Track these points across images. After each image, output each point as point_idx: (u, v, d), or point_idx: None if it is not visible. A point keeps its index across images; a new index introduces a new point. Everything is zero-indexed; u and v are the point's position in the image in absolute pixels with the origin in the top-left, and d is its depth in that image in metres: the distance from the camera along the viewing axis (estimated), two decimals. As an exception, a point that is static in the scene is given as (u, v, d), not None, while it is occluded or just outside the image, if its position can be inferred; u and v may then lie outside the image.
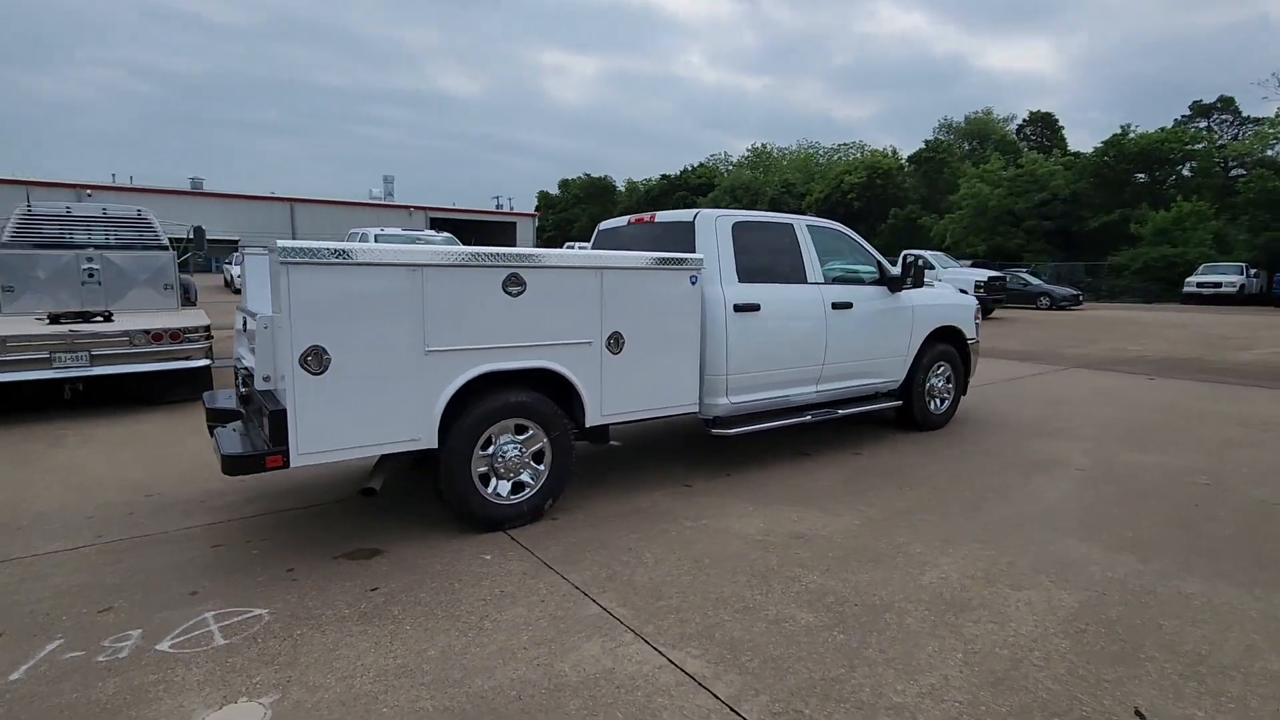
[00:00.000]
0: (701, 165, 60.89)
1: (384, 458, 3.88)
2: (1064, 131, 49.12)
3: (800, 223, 5.66)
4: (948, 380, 6.71)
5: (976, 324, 6.93)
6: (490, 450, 4.05)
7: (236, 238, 33.56)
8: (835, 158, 56.71)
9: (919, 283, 6.08)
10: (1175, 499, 4.72)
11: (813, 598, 3.30)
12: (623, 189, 65.62)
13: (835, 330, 5.60)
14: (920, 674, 2.67)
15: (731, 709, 2.46)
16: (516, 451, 4.13)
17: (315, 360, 3.40)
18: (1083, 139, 77.62)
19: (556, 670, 2.69)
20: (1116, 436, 6.33)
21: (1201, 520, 4.33)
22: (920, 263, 6.01)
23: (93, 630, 2.94)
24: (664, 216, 5.51)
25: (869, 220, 41.52)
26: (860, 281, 5.94)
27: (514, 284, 3.95)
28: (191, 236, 10.28)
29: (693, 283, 4.71)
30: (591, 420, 4.35)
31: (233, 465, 3.36)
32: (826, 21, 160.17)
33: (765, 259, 5.37)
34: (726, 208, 6.56)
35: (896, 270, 6.15)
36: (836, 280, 5.77)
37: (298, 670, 2.67)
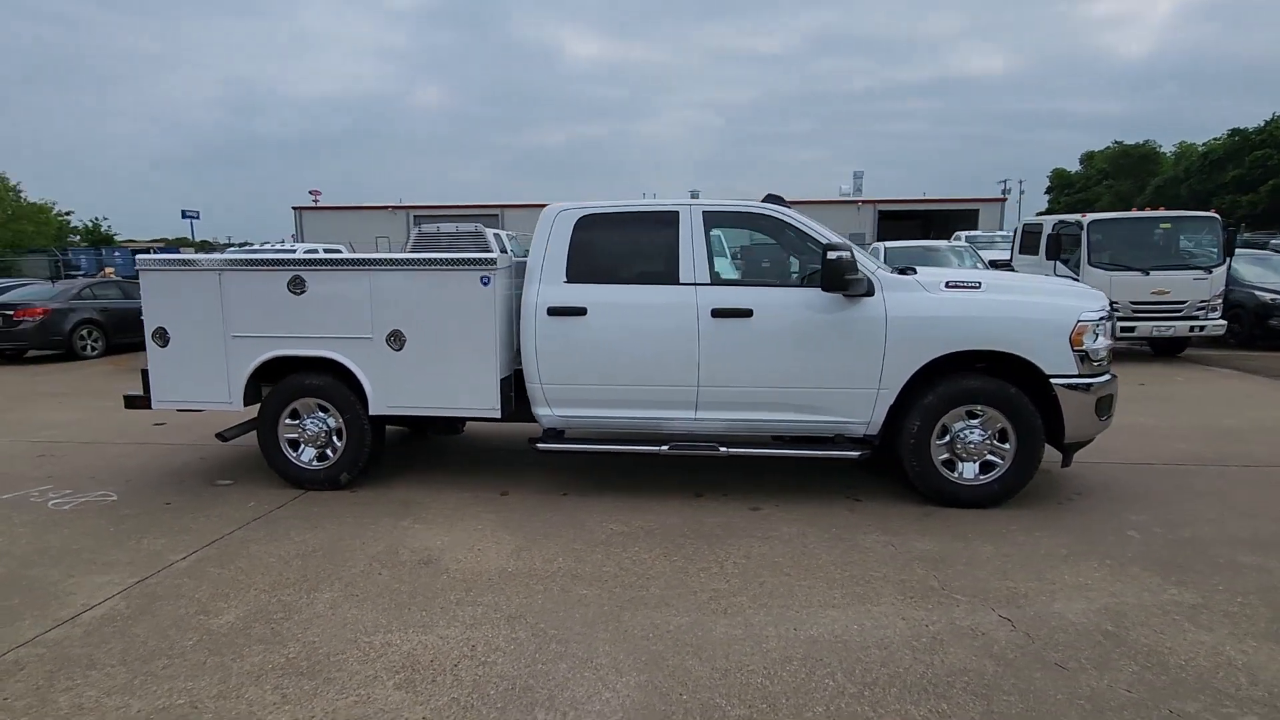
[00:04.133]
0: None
1: (251, 420, 5.09)
2: None
3: (694, 210, 4.56)
4: (998, 438, 4.31)
5: (1089, 351, 4.19)
6: (298, 422, 4.89)
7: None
8: None
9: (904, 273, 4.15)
10: None
11: (276, 609, 3.22)
12: (1171, 153, 51.14)
13: (718, 344, 4.40)
14: None
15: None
16: (317, 427, 4.86)
17: (160, 337, 4.86)
18: None
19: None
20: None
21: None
22: (850, 254, 4.09)
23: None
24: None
25: None
26: (781, 283, 4.44)
27: (296, 285, 4.68)
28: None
29: (484, 284, 4.53)
30: (375, 410, 4.73)
31: (128, 403, 5.10)
32: None
33: (617, 256, 4.63)
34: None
35: (870, 267, 4.34)
36: (738, 281, 4.49)
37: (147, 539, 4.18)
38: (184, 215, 33.54)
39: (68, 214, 42.59)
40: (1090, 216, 10.55)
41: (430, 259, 4.65)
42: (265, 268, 4.74)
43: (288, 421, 4.88)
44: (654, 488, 4.83)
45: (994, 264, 12.32)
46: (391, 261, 4.66)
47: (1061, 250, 10.81)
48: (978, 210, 38.95)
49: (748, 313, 4.37)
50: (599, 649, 2.85)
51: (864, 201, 41.02)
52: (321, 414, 4.85)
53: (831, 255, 4.05)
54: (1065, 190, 58.40)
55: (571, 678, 2.66)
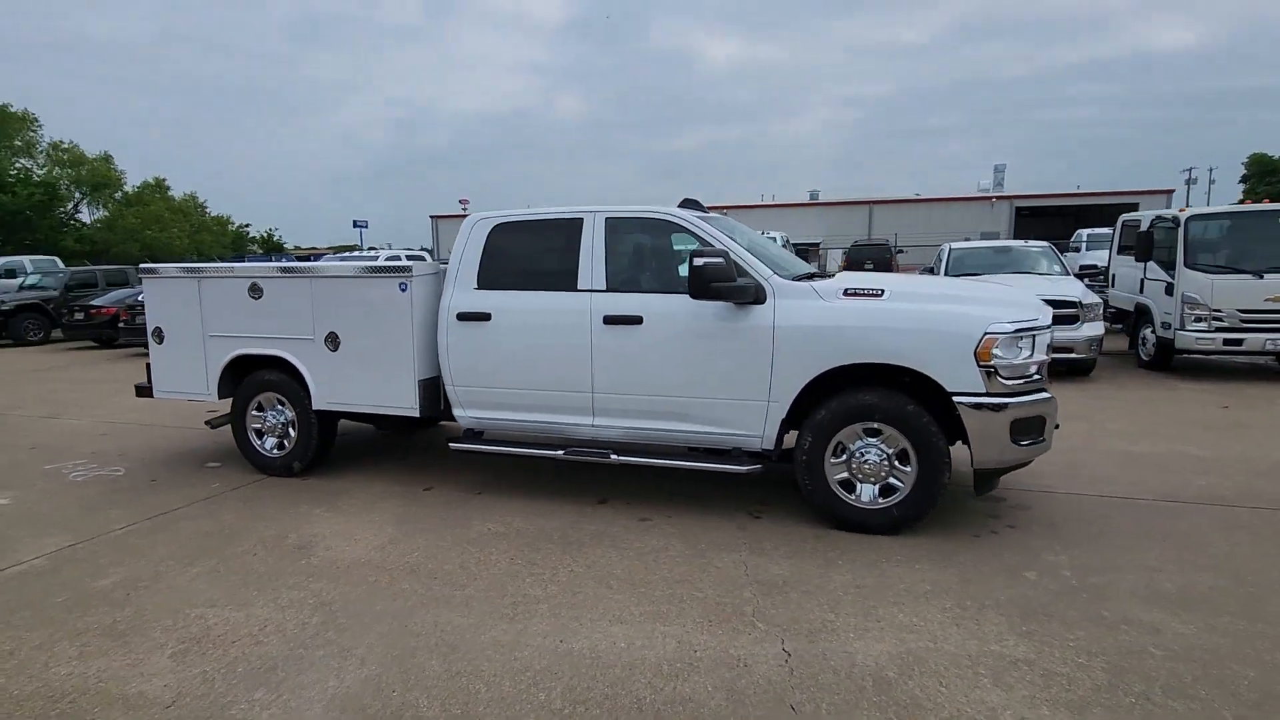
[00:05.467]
0: None
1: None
2: None
3: (595, 217, 4.57)
4: (899, 459, 3.96)
5: (998, 367, 3.75)
6: (262, 414, 5.44)
7: (818, 240, 37.81)
8: None
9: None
10: None
11: (148, 577, 3.65)
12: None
13: (609, 351, 4.39)
14: None
15: None
16: (276, 419, 5.39)
17: (158, 335, 5.59)
18: None
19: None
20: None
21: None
22: (723, 261, 3.89)
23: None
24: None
25: None
26: (673, 291, 4.34)
27: (254, 291, 5.21)
28: None
29: (402, 290, 4.81)
30: (317, 405, 5.15)
31: (138, 392, 5.89)
32: None
33: (525, 263, 4.73)
34: None
35: (763, 273, 4.16)
36: (632, 288, 4.44)
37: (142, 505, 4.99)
38: (354, 225, 37.48)
39: (246, 225, 49.00)
40: (1189, 210, 9.18)
41: (356, 267, 5.01)
42: (231, 275, 5.31)
43: (254, 413, 5.44)
44: (565, 492, 4.89)
45: (1085, 268, 11.02)
46: (327, 269, 5.07)
47: (1154, 250, 9.51)
48: (1138, 204, 34.51)
49: (638, 320, 4.32)
50: (366, 640, 3.00)
51: (998, 197, 37.79)
52: (280, 407, 5.36)
53: (697, 262, 3.92)
54: (1267, 178, 50.63)
55: (318, 664, 2.83)
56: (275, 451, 5.41)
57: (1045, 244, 10.96)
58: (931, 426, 3.85)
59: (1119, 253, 11.09)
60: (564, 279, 4.55)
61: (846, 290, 4.09)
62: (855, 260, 23.75)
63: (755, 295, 4.10)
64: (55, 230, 27.64)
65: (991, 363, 3.74)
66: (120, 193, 32.10)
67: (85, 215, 30.88)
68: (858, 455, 4.01)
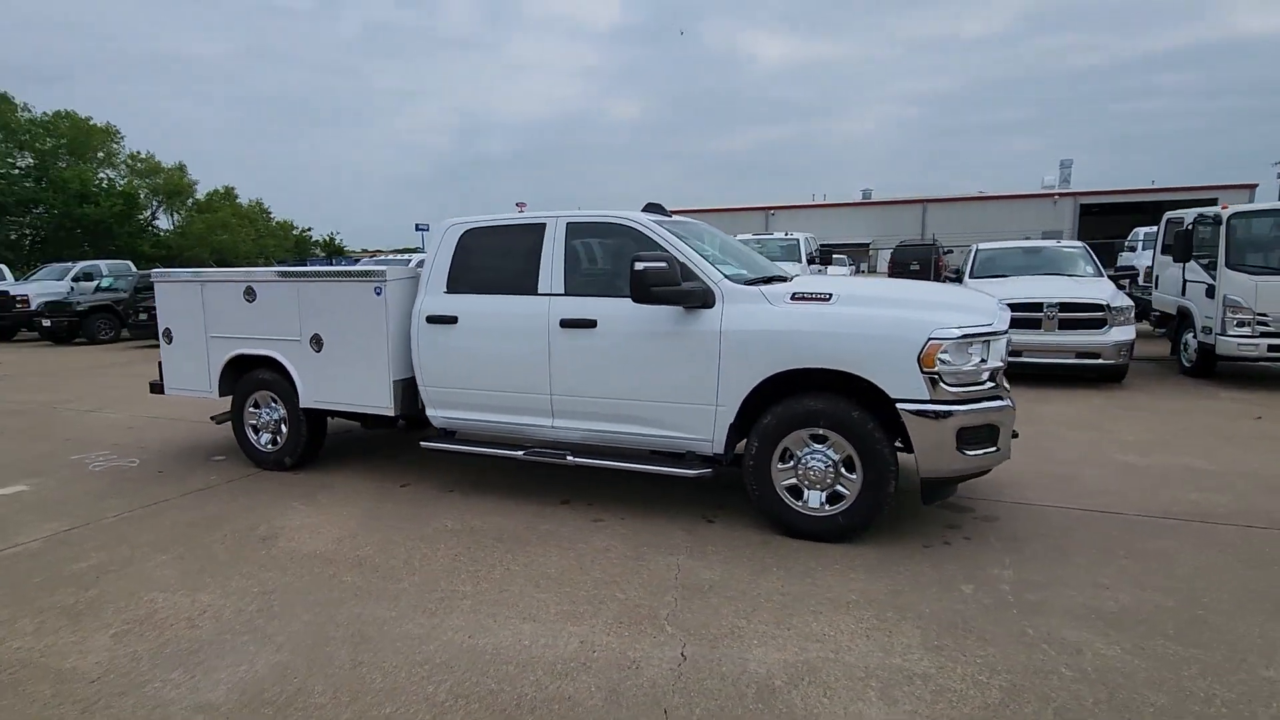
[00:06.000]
0: None
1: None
2: None
3: (557, 222, 4.65)
4: (844, 467, 3.89)
5: (942, 374, 3.65)
6: (258, 411, 5.74)
7: (869, 241, 36.98)
8: None
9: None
10: None
11: (121, 562, 3.92)
12: None
13: (566, 353, 4.47)
14: None
15: None
16: (270, 416, 5.67)
17: (167, 336, 5.97)
18: None
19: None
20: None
21: None
22: (667, 265, 3.89)
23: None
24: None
25: None
26: (626, 294, 4.36)
27: (249, 294, 5.50)
28: None
29: (377, 293, 5.00)
30: (304, 403, 5.40)
31: (152, 388, 6.28)
32: None
33: (490, 268, 4.84)
34: None
35: (713, 277, 4.15)
36: (588, 292, 4.50)
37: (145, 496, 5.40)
38: (416, 228, 38.82)
39: (309, 230, 51.43)
40: (1233, 208, 8.63)
41: (336, 271, 5.22)
42: (228, 280, 5.62)
43: (250, 410, 5.74)
44: (532, 492, 4.98)
45: (1120, 269, 10.45)
46: (312, 273, 5.31)
47: (1196, 250, 8.98)
48: (1215, 200, 32.21)
49: (592, 323, 4.38)
50: (290, 629, 3.15)
51: (1060, 194, 36.00)
52: (274, 405, 5.63)
53: (638, 266, 3.94)
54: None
55: (238, 649, 2.99)
56: (269, 447, 5.69)
57: (1080, 244, 10.49)
58: (876, 433, 3.77)
59: (1162, 253, 10.50)
60: (526, 283, 4.65)
61: (794, 295, 4.04)
62: (900, 260, 23.14)
63: (703, 300, 4.10)
64: (134, 237, 29.64)
65: (936, 369, 3.64)
66: (191, 200, 34.15)
67: (162, 222, 33.24)
68: (804, 461, 3.96)
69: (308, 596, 3.47)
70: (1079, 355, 8.51)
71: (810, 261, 11.96)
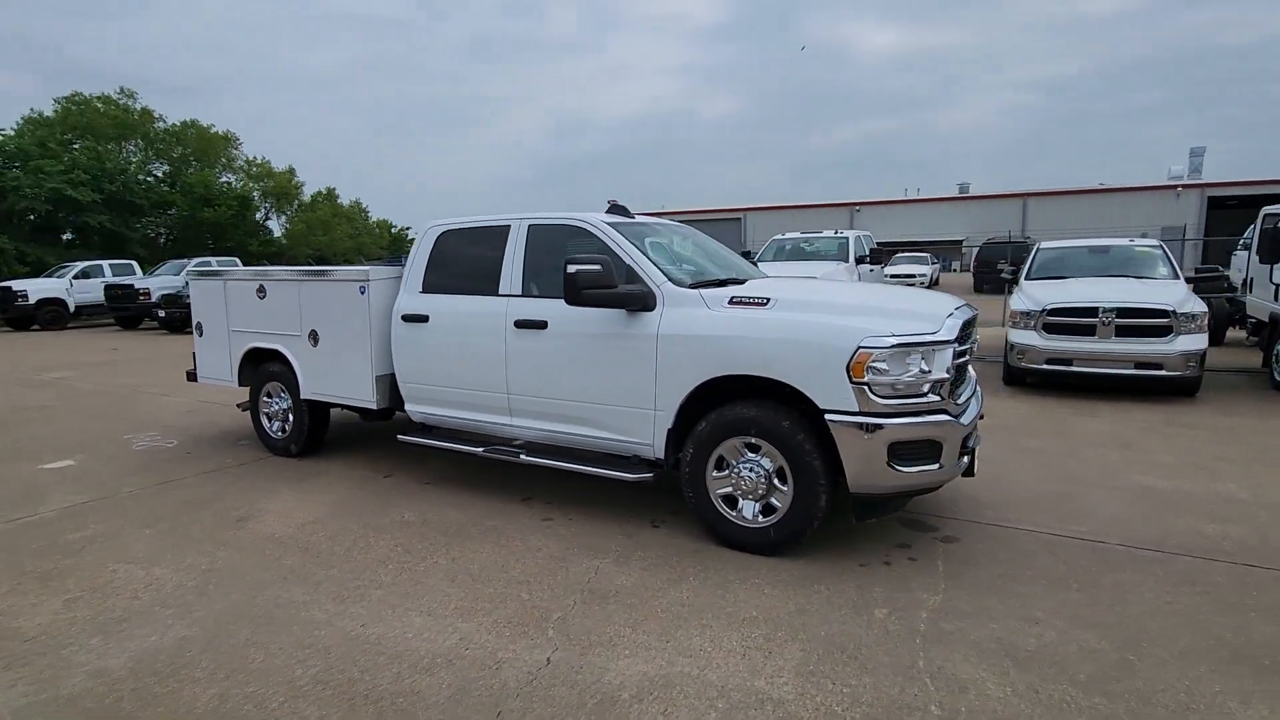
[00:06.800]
0: None
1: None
2: None
3: (520, 224, 4.73)
4: (777, 479, 3.75)
5: (871, 384, 3.45)
6: (270, 400, 6.17)
7: (962, 238, 34.99)
8: None
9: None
10: None
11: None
12: None
13: (519, 354, 4.55)
14: None
15: None
16: (279, 405, 6.08)
17: (199, 329, 6.51)
18: None
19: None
20: None
21: None
22: (601, 268, 3.85)
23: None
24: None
25: None
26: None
27: (260, 292, 5.92)
28: None
29: (361, 292, 5.25)
30: (304, 394, 5.75)
31: (188, 377, 6.85)
32: None
33: (461, 268, 4.98)
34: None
35: (655, 280, 4.11)
36: (542, 294, 4.54)
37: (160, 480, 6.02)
38: None
39: (406, 228, 54.45)
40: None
41: (326, 271, 5.52)
42: (244, 279, 6.06)
43: (264, 399, 6.17)
44: (498, 488, 5.08)
45: (1200, 270, 9.39)
46: (310, 273, 5.64)
47: (1282, 250, 7.99)
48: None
49: (543, 324, 4.43)
50: (213, 605, 3.39)
51: (1185, 186, 32.55)
52: (282, 395, 6.03)
53: (570, 269, 3.94)
54: None
55: (158, 621, 3.25)
56: (279, 434, 6.10)
57: (1155, 243, 9.53)
58: (807, 444, 3.61)
59: (1256, 252, 9.38)
60: (489, 284, 4.75)
61: (732, 299, 3.93)
62: (986, 259, 21.80)
63: (643, 302, 4.07)
64: (247, 236, 32.43)
65: (866, 379, 3.45)
66: (297, 201, 36.99)
67: (274, 222, 36.31)
68: (738, 470, 3.85)
69: (246, 577, 3.71)
70: (1139, 366, 7.74)
71: (860, 261, 11.47)
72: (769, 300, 3.85)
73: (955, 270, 35.34)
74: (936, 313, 3.71)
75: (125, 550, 4.09)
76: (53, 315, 20.78)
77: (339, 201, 38.46)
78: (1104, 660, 2.80)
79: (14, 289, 20.54)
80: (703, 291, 4.05)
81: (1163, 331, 7.67)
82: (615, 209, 4.85)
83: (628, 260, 4.21)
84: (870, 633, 3.04)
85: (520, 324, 4.51)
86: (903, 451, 3.49)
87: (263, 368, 6.08)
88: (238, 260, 23.82)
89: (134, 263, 23.71)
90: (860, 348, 3.46)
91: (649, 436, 4.14)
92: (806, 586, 3.47)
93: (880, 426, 3.46)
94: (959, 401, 3.81)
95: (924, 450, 3.54)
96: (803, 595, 3.38)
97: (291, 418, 5.95)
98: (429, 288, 5.04)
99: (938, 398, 3.57)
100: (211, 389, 8.02)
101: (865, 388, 3.45)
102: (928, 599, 3.33)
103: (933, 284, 28.28)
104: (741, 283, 4.41)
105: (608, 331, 4.18)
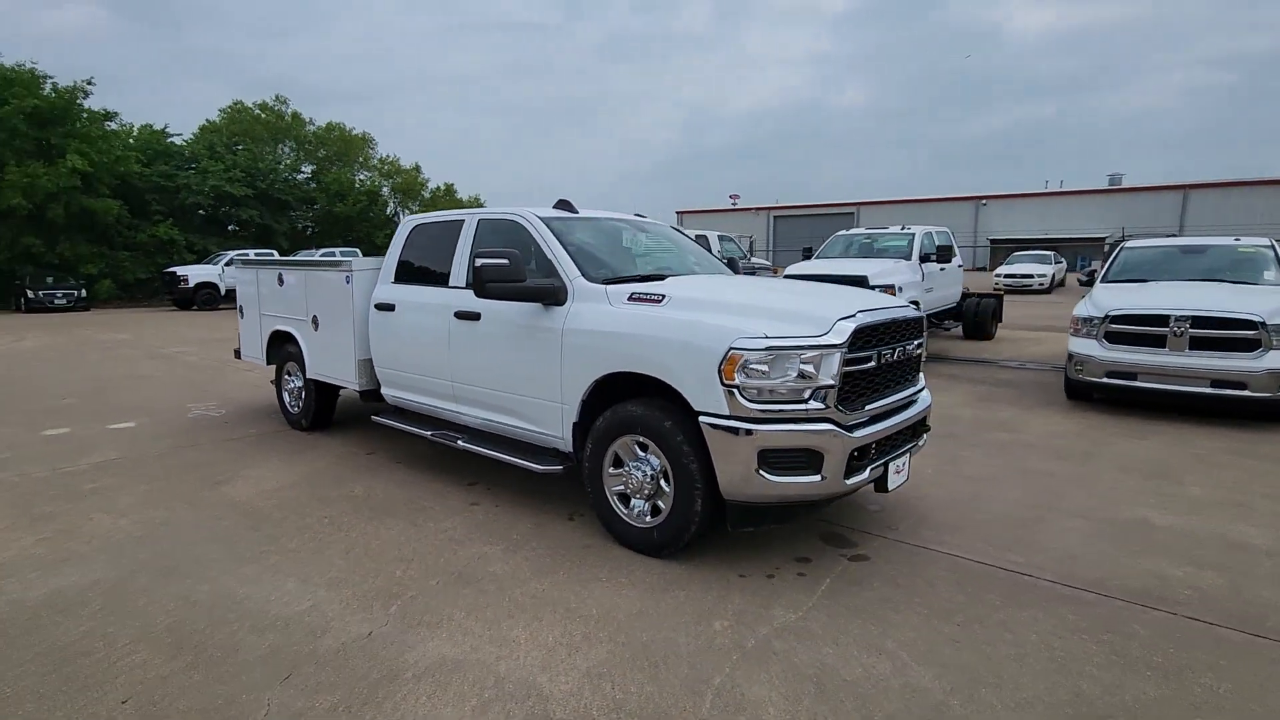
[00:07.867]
0: None
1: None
2: None
3: (473, 219, 4.90)
4: (664, 480, 3.67)
5: (741, 386, 3.29)
6: (289, 378, 6.77)
7: (1104, 235, 31.58)
8: None
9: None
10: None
11: None
12: None
13: (459, 343, 4.73)
14: None
15: (18, 476, 5.24)
16: (294, 383, 6.66)
17: (240, 311, 7.25)
18: None
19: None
20: None
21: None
22: (493, 265, 3.90)
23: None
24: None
25: None
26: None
27: (280, 280, 6.50)
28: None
29: (347, 282, 5.65)
30: (310, 374, 6.27)
31: (236, 354, 7.62)
32: None
33: (424, 260, 5.23)
34: None
35: (569, 275, 4.14)
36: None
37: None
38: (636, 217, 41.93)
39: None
40: None
41: (319, 261, 5.96)
42: (270, 267, 6.67)
43: (285, 377, 6.78)
44: (456, 470, 5.30)
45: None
46: (311, 263, 6.13)
47: None
48: None
49: (477, 316, 4.58)
50: (139, 554, 3.82)
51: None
52: (297, 373, 6.61)
53: (477, 262, 4.05)
54: None
55: (83, 564, 3.69)
56: (295, 409, 6.68)
57: (1266, 242, 8.20)
58: (684, 446, 3.51)
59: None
60: (443, 276, 4.96)
61: (632, 295, 3.88)
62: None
63: (555, 296, 4.10)
64: (374, 229, 35.28)
65: (736, 381, 3.30)
66: (420, 197, 39.73)
67: (403, 216, 38.95)
68: (629, 470, 3.81)
69: (183, 533, 4.15)
70: (1216, 384, 6.73)
71: (925, 259, 10.69)
72: (664, 297, 3.77)
73: (1090, 270, 31.97)
74: (828, 315, 3.47)
75: (114, 502, 4.67)
76: (208, 297, 23.69)
77: (457, 197, 40.95)
78: (920, 701, 2.54)
79: (178, 274, 23.60)
80: (608, 287, 4.02)
81: (1249, 345, 6.63)
82: (562, 205, 4.90)
83: (549, 254, 4.26)
84: (692, 644, 2.93)
85: (459, 315, 4.68)
86: (775, 460, 3.31)
87: (284, 349, 6.68)
88: (358, 251, 25.98)
89: (274, 252, 26.52)
90: (732, 349, 3.31)
91: (559, 429, 4.18)
92: (665, 591, 3.39)
93: (750, 431, 3.30)
94: (863, 410, 3.54)
95: (801, 460, 3.33)
96: (653, 599, 3.31)
97: (303, 395, 6.50)
98: (399, 278, 5.34)
99: (821, 405, 3.35)
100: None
101: (735, 390, 3.31)
102: (781, 616, 3.15)
103: (1055, 285, 25.73)
104: (658, 279, 4.32)
105: (527, 324, 4.26)
